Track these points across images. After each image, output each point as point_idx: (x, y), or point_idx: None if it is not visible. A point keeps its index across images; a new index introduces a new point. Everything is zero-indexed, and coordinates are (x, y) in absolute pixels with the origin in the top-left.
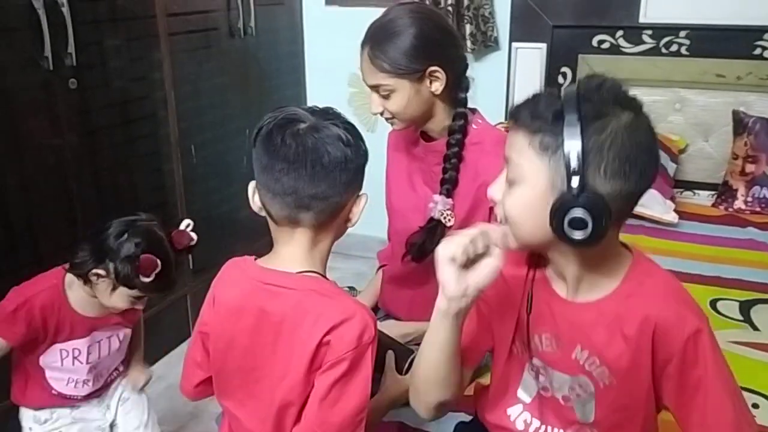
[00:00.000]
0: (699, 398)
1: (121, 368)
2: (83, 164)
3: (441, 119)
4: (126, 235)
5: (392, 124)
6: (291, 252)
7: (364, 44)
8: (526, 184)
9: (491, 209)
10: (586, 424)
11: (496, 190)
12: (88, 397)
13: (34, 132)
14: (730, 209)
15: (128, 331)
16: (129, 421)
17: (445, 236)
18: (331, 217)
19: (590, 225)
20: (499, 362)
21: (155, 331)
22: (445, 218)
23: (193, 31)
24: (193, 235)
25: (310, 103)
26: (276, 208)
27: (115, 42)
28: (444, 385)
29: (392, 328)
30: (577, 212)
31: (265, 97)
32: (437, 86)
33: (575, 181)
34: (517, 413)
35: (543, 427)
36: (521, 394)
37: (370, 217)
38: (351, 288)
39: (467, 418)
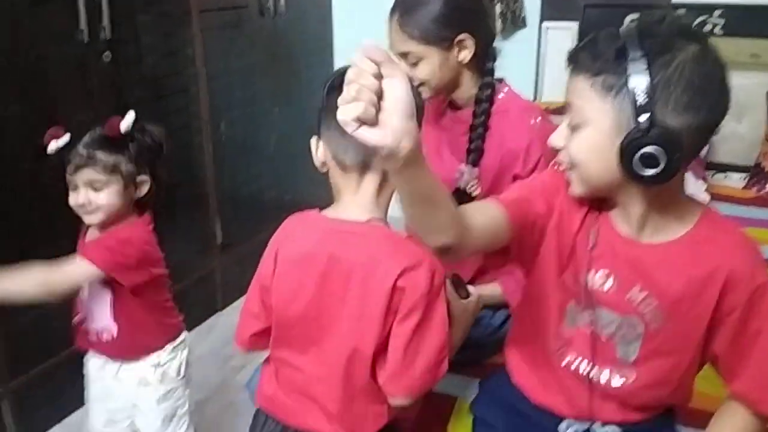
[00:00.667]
0: (755, 348)
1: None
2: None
3: (468, 88)
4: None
5: (421, 93)
6: (358, 200)
7: (393, 11)
8: (590, 127)
9: (515, 177)
10: (626, 364)
11: (558, 138)
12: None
13: (68, 105)
14: (762, 191)
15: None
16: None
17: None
18: None
19: (662, 161)
20: (542, 290)
21: (184, 306)
22: (470, 188)
23: (224, 8)
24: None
25: None
26: (350, 154)
27: (148, 17)
28: (435, 231)
29: None
30: (648, 149)
31: (294, 77)
32: (465, 55)
33: (644, 118)
34: (556, 347)
35: (579, 360)
36: (562, 327)
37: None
38: None
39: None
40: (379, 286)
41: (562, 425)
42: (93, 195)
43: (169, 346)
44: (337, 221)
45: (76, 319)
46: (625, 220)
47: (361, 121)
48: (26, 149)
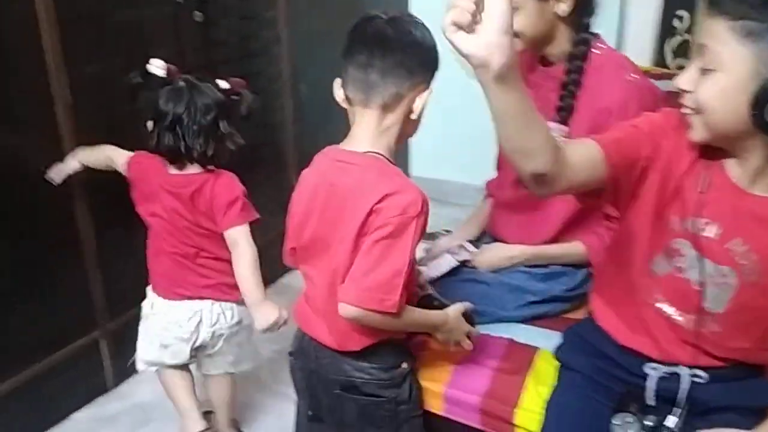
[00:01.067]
0: None
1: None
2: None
3: (561, 43)
4: None
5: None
6: (360, 133)
7: None
8: (723, 72)
9: None
10: (711, 313)
11: (686, 80)
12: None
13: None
14: None
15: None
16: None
17: None
18: (395, 101)
19: None
20: (635, 231)
21: (261, 262)
22: None
23: None
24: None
25: None
26: (351, 89)
27: None
28: (530, 154)
29: (498, 251)
30: None
31: None
32: (563, 8)
33: None
34: (645, 289)
35: (667, 305)
36: (653, 270)
37: (468, 164)
38: (447, 231)
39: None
40: (360, 208)
41: (648, 367)
42: None
43: None
44: (341, 152)
45: None
46: (740, 169)
47: (458, 26)
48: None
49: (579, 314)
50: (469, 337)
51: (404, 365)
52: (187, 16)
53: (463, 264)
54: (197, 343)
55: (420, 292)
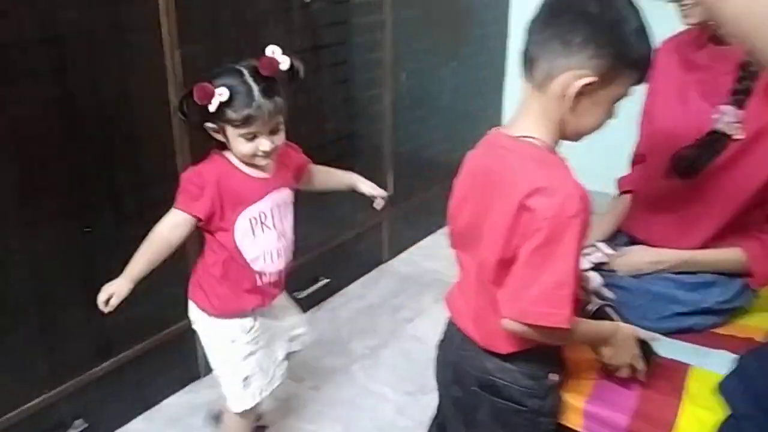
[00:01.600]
0: None
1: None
2: (307, 78)
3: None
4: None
5: (686, 16)
6: (520, 118)
7: None
8: None
9: None
10: None
11: None
12: (267, 298)
13: (270, 41)
14: None
15: (291, 197)
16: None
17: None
18: (546, 80)
19: None
20: None
21: (351, 255)
22: (732, 131)
23: None
24: (282, 59)
25: (512, 41)
26: (536, 66)
27: None
28: None
29: (642, 254)
30: None
31: (469, 31)
32: None
33: None
34: None
35: None
36: None
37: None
38: None
39: None
40: (509, 199)
41: None
42: (275, 138)
43: None
44: (500, 136)
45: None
46: None
47: None
48: None
49: (732, 330)
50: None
51: (552, 376)
52: None
53: (597, 267)
54: None
55: (589, 302)
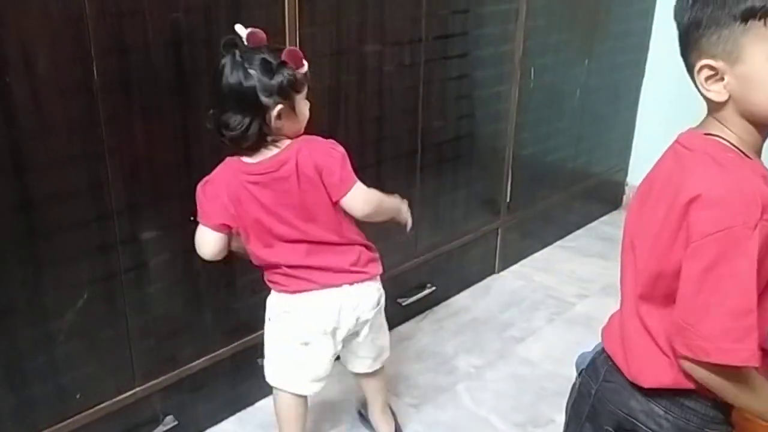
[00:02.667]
0: None
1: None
2: (433, 69)
3: None
4: None
5: None
6: (706, 117)
7: None
8: None
9: None
10: None
11: None
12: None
13: (397, 26)
14: None
15: None
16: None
17: None
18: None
19: None
20: None
21: (463, 263)
22: None
23: None
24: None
25: (654, 44)
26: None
27: None
28: None
29: None
30: None
31: (607, 28)
32: None
33: None
34: None
35: None
36: None
37: None
38: None
39: None
40: (674, 205)
41: None
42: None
43: None
44: (691, 134)
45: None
46: None
47: None
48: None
49: None
50: None
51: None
52: None
53: None
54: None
55: None
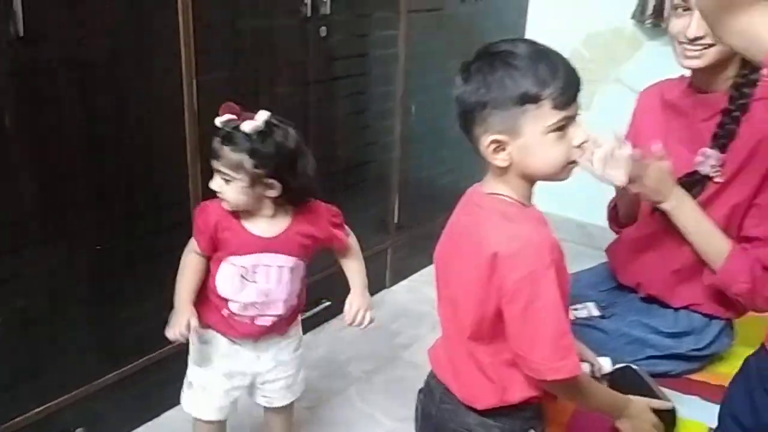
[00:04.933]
0: None
1: (292, 310)
2: (322, 108)
3: (731, 70)
4: None
5: (695, 58)
6: (489, 175)
7: None
8: None
9: None
10: None
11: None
12: (246, 334)
13: (285, 72)
14: None
15: (300, 264)
16: (277, 382)
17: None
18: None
19: None
20: None
21: None
22: (715, 172)
23: None
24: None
25: None
26: None
27: None
28: None
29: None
30: None
31: None
32: None
33: None
34: None
35: None
36: None
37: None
38: None
39: None
40: (480, 259)
41: None
42: (224, 185)
43: None
44: (476, 193)
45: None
46: None
47: None
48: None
49: (706, 376)
50: None
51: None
52: (312, 30)
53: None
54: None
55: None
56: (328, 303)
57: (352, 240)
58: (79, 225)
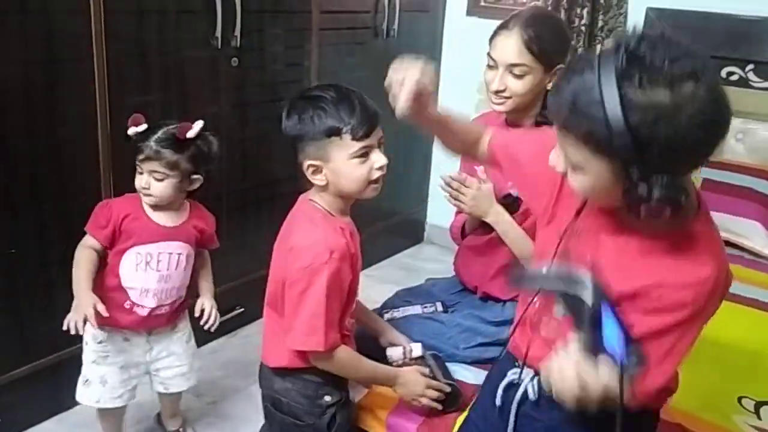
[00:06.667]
0: None
1: (180, 302)
2: (233, 132)
3: (536, 111)
4: None
5: (499, 105)
6: (312, 189)
7: (513, 24)
8: (588, 176)
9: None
10: None
11: (557, 162)
12: (142, 324)
13: (199, 99)
14: None
15: (192, 253)
16: (170, 370)
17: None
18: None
19: (668, 210)
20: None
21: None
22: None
23: (342, 28)
24: (195, 126)
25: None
26: None
27: (273, 30)
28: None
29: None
30: (654, 205)
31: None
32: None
33: (644, 188)
34: None
35: None
36: None
37: None
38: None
39: None
40: (282, 251)
41: None
42: (153, 183)
43: None
44: (302, 199)
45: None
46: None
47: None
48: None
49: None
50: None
51: (327, 398)
52: (225, 60)
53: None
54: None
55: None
56: (241, 309)
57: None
58: None
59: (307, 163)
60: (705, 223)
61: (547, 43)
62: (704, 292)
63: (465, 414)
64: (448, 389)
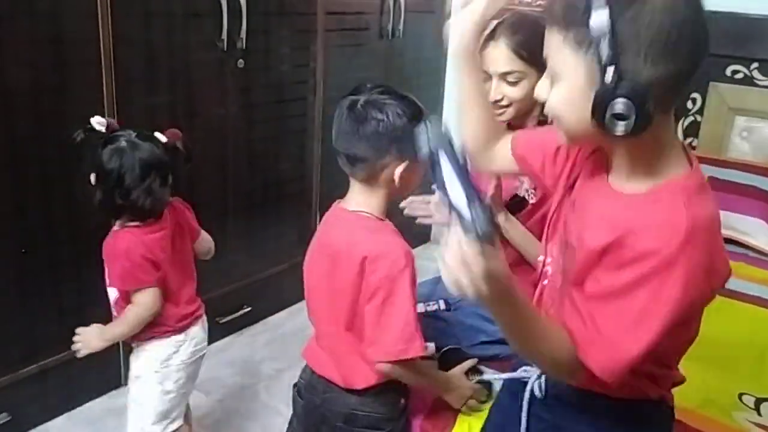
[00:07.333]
0: None
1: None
2: (239, 132)
3: (537, 113)
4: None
5: (501, 114)
6: (352, 196)
7: (500, 33)
8: (565, 81)
9: None
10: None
11: (541, 89)
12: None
13: (205, 100)
14: None
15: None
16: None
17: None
18: (372, 175)
19: (633, 115)
20: None
21: (279, 287)
22: (529, 196)
23: (347, 29)
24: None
25: (446, 104)
26: (340, 163)
27: (279, 32)
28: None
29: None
30: (618, 104)
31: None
32: None
33: (611, 72)
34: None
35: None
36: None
37: None
38: None
39: None
40: (349, 267)
41: None
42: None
43: None
44: (340, 210)
45: None
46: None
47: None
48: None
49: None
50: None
51: (403, 401)
52: (231, 62)
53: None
54: None
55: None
56: (248, 308)
57: None
58: (5, 232)
59: (404, 164)
60: (694, 178)
61: (535, 45)
62: (674, 241)
63: (464, 412)
64: (487, 390)
